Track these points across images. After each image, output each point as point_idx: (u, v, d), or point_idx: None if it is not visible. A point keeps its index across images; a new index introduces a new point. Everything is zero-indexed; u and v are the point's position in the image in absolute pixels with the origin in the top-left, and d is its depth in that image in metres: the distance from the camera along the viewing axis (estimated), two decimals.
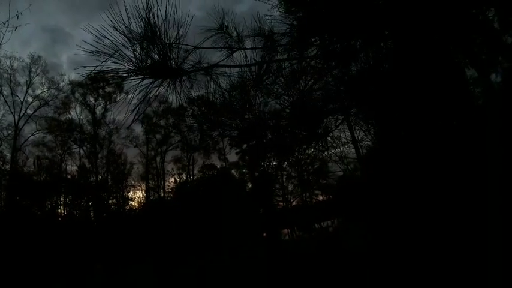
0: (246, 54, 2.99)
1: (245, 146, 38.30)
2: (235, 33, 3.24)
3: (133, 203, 41.02)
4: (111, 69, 1.99)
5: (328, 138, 3.43)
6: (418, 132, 4.82)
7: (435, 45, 3.21)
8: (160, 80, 2.12)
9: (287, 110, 2.88)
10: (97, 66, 1.97)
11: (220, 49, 3.09)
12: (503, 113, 4.34)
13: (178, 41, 2.12)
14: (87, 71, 2.04)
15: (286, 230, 37.14)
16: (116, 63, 1.99)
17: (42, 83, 36.09)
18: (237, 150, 40.11)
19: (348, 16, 3.23)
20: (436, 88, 3.50)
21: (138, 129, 40.62)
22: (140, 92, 2.06)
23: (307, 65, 3.35)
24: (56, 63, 61.45)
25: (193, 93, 2.38)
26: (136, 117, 2.03)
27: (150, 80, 2.09)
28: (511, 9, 4.20)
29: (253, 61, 2.91)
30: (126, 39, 1.99)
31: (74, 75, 38.70)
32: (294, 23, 3.79)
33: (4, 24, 10.22)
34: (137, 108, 2.05)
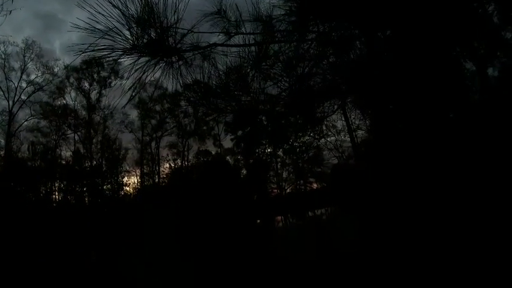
0: (244, 38, 2.96)
1: (240, 132, 38.35)
2: (233, 18, 3.21)
3: (128, 188, 41.05)
4: (106, 47, 1.96)
5: (324, 127, 3.43)
6: (414, 124, 4.83)
7: (434, 38, 3.21)
8: (157, 59, 2.09)
9: (284, 94, 2.87)
10: (91, 44, 1.94)
11: (218, 33, 3.07)
12: (499, 107, 4.36)
13: (176, 20, 2.10)
14: (81, 49, 1.99)
15: (280, 217, 37.31)
16: (111, 40, 1.96)
17: (37, 67, 35.80)
18: (232, 137, 40.12)
19: (347, 4, 3.22)
20: (434, 80, 3.50)
21: (133, 114, 40.57)
22: (135, 71, 2.03)
23: (305, 52, 3.34)
24: (49, 49, 61.06)
25: (189, 77, 2.37)
26: (132, 96, 2.01)
27: (147, 59, 2.07)
28: (511, 5, 4.19)
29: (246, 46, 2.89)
30: (122, 16, 1.96)
31: (68, 60, 38.38)
32: (293, 8, 3.77)
33: None
34: (133, 87, 2.02)
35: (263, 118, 3.11)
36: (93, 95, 38.87)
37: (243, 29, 3.12)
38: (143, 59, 2.07)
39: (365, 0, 3.25)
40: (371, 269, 6.04)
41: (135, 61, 2.05)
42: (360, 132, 21.53)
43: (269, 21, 3.27)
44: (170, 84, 2.22)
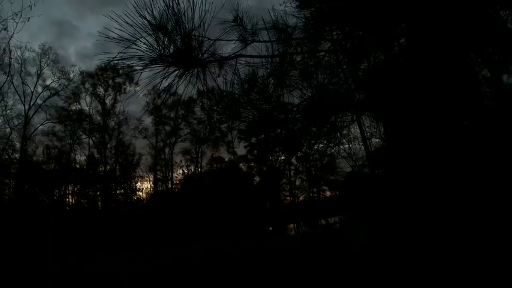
0: (265, 45, 2.99)
1: (254, 139, 38.31)
2: (249, 26, 3.25)
3: (141, 193, 41.31)
4: (133, 57, 1.99)
5: (338, 134, 3.44)
6: (428, 131, 4.80)
7: (448, 45, 3.20)
8: (183, 70, 2.12)
9: (305, 103, 2.89)
10: (119, 53, 1.98)
11: (234, 41, 3.11)
12: None
13: (201, 32, 2.12)
14: (109, 58, 2.04)
15: (292, 225, 37.17)
16: (138, 50, 2.00)
17: (52, 72, 36.34)
18: (246, 144, 40.15)
19: (362, 12, 3.23)
20: (448, 87, 3.49)
21: (148, 120, 40.81)
22: (162, 80, 2.06)
23: (321, 60, 3.36)
24: (64, 55, 61.98)
25: (212, 85, 2.40)
26: (157, 107, 2.04)
27: (173, 68, 2.09)
28: None
29: (270, 53, 2.91)
30: (148, 26, 1.99)
31: (83, 66, 38.94)
32: (308, 16, 3.80)
33: (17, 14, 10.35)
34: (158, 97, 2.05)
35: (278, 125, 3.14)
36: (108, 101, 39.34)
37: (259, 37, 3.17)
38: (170, 69, 2.10)
39: (380, 8, 3.27)
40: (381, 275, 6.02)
41: (161, 71, 2.08)
42: (374, 140, 21.36)
43: (285, 29, 3.30)
44: (193, 91, 2.24)
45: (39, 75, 35.41)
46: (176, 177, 42.43)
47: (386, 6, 3.36)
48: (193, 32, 2.12)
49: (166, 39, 2.07)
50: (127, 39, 1.95)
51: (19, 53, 35.52)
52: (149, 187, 41.72)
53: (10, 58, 32.72)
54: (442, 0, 3.06)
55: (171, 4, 2.01)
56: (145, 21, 1.98)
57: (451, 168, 4.72)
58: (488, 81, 4.63)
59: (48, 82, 36.27)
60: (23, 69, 34.32)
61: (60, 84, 36.49)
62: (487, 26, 3.43)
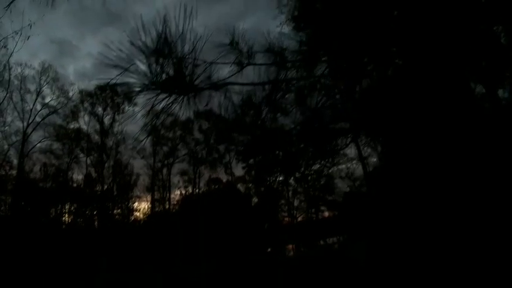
0: (259, 69, 3.01)
1: (252, 160, 38.26)
2: (245, 49, 3.27)
3: (138, 214, 40.98)
4: (127, 83, 2.01)
5: (335, 156, 3.44)
6: (424, 149, 4.80)
7: (443, 61, 3.23)
8: (175, 96, 2.13)
9: (298, 128, 2.89)
10: (113, 78, 1.99)
11: (230, 64, 3.13)
12: (510, 128, 4.32)
13: (193, 57, 2.14)
14: (105, 82, 2.05)
15: (291, 246, 36.85)
16: (131, 77, 2.01)
17: (52, 90, 36.42)
18: (244, 165, 40.06)
19: (357, 34, 3.27)
20: (444, 104, 3.50)
21: (145, 140, 40.73)
22: (154, 106, 2.06)
23: (316, 83, 3.38)
24: (63, 74, 62.46)
25: (202, 108, 2.41)
26: (149, 133, 2.05)
27: (165, 95, 2.10)
28: None
29: (264, 77, 2.93)
30: (141, 54, 2.01)
31: (82, 85, 39.11)
32: (303, 39, 3.84)
33: (17, 33, 10.45)
34: (151, 122, 2.07)
35: (273, 148, 3.13)
36: (106, 120, 39.38)
37: (255, 60, 3.19)
38: (161, 96, 2.11)
39: (374, 30, 3.30)
40: None
41: (153, 97, 2.10)
42: (371, 160, 21.36)
43: (280, 52, 3.33)
44: (188, 113, 2.25)
45: (38, 92, 35.50)
46: (174, 198, 42.22)
47: (381, 27, 3.40)
48: (187, 56, 2.14)
49: (159, 68, 2.09)
50: (121, 66, 1.97)
51: (19, 70, 35.68)
52: (146, 207, 41.46)
53: (10, 75, 32.76)
54: (437, 17, 3.10)
55: (163, 33, 2.04)
56: (139, 51, 2.00)
57: (449, 186, 4.70)
58: (484, 96, 4.66)
59: (47, 100, 36.30)
60: (22, 86, 34.44)
61: (59, 103, 36.56)
62: (481, 42, 3.47)
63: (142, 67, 2.05)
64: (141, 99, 2.10)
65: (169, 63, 2.08)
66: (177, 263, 24.71)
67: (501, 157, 4.13)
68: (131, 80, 2.01)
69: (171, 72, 2.11)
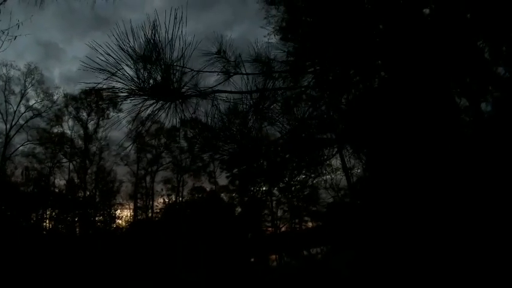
0: (247, 78, 3.02)
1: (236, 170, 38.25)
2: (232, 58, 3.29)
3: (120, 221, 40.46)
4: (113, 88, 2.00)
5: (320, 166, 3.46)
6: (408, 161, 4.87)
7: (428, 75, 3.28)
8: (162, 102, 2.13)
9: (285, 137, 2.90)
10: (99, 83, 1.98)
11: (217, 73, 3.13)
12: (492, 142, 4.41)
13: (182, 64, 2.14)
14: (90, 87, 2.03)
15: (274, 256, 36.76)
16: (118, 82, 2.00)
17: (37, 93, 35.91)
18: (228, 174, 39.98)
19: (343, 46, 3.31)
20: (428, 116, 3.55)
21: (129, 147, 40.44)
22: (141, 112, 2.06)
23: (303, 93, 3.40)
24: (49, 77, 61.79)
25: (189, 116, 2.40)
26: (135, 139, 2.04)
27: (152, 101, 2.10)
28: (502, 40, 4.31)
29: (251, 86, 2.94)
30: (129, 59, 2.01)
31: (67, 89, 38.66)
32: (290, 49, 3.87)
33: (4, 32, 10.28)
34: (137, 128, 2.06)
35: (258, 158, 3.14)
36: (91, 125, 38.96)
37: (242, 69, 3.20)
38: (148, 102, 2.11)
39: (360, 43, 3.35)
40: None
41: (141, 103, 2.09)
42: (355, 171, 21.53)
43: (268, 62, 3.35)
44: (174, 120, 2.24)
45: (23, 94, 35.03)
46: (157, 206, 41.83)
47: (367, 40, 3.45)
48: (175, 63, 2.14)
49: (146, 73, 2.09)
50: (108, 70, 1.96)
51: (4, 70, 35.09)
52: (129, 215, 40.98)
53: None
54: (422, 32, 3.16)
55: (152, 38, 2.03)
56: (127, 54, 1.99)
57: (433, 199, 4.76)
58: (468, 109, 4.74)
59: (31, 102, 35.87)
60: (7, 87, 33.98)
61: (43, 106, 36.13)
62: (465, 57, 3.55)
63: (130, 72, 2.05)
64: (126, 106, 2.10)
65: (157, 69, 2.09)
66: (159, 272, 24.43)
67: (483, 168, 4.21)
68: (118, 85, 2.01)
69: (159, 78, 2.11)
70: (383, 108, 3.30)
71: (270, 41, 3.84)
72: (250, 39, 3.49)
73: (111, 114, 38.38)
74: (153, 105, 2.12)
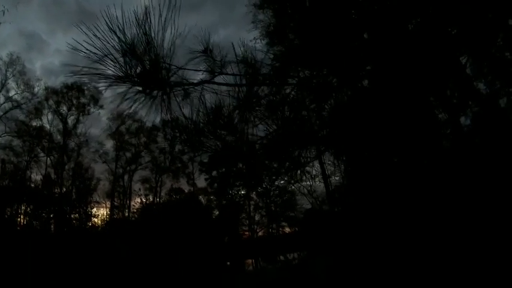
0: (233, 79, 3.03)
1: (215, 172, 38.19)
2: (218, 58, 3.29)
3: (96, 220, 39.83)
4: (99, 73, 1.96)
5: (299, 171, 3.49)
6: (388, 170, 4.95)
7: (409, 88, 3.35)
8: (148, 90, 2.10)
9: (269, 137, 2.92)
10: (84, 67, 1.94)
11: (202, 72, 3.13)
12: (471, 154, 4.53)
13: (171, 54, 2.12)
14: (73, 71, 1.98)
15: (250, 260, 36.73)
16: (104, 66, 1.96)
17: (17, 84, 35.02)
18: (206, 177, 39.85)
19: (328, 53, 3.36)
20: (409, 128, 3.63)
21: (109, 144, 39.99)
22: (125, 100, 2.03)
23: (286, 98, 3.44)
24: (30, 68, 60.59)
25: (177, 112, 2.39)
26: (117, 128, 2.02)
27: (138, 89, 2.07)
28: (484, 56, 4.44)
29: (235, 88, 2.95)
30: (118, 43, 1.98)
31: (48, 82, 37.91)
32: (276, 53, 3.91)
33: None
34: (120, 118, 2.03)
35: (240, 159, 3.15)
36: (70, 120, 38.30)
37: (227, 69, 3.20)
38: (134, 89, 2.07)
39: (345, 51, 3.41)
40: None
41: (127, 90, 2.05)
42: (334, 178, 21.69)
43: (253, 64, 3.37)
44: (156, 118, 2.23)
45: (3, 84, 34.02)
46: (134, 205, 41.31)
47: (352, 50, 3.51)
48: (162, 54, 2.13)
49: (134, 60, 2.06)
50: (95, 53, 1.93)
51: None
52: (105, 214, 40.38)
53: None
54: (404, 45, 3.23)
55: (143, 25, 2.01)
56: (116, 38, 1.97)
57: (410, 207, 4.85)
58: (447, 123, 4.86)
59: (11, 93, 34.96)
60: None
61: (23, 97, 35.18)
62: (446, 71, 3.64)
63: (118, 58, 2.01)
64: (109, 97, 2.06)
65: (146, 57, 2.06)
66: (135, 273, 24.17)
67: (460, 178, 4.32)
68: (105, 71, 1.96)
69: (147, 65, 2.08)
70: (364, 118, 3.36)
71: (256, 44, 3.87)
72: (238, 42, 3.48)
73: (92, 110, 37.93)
74: (139, 93, 2.09)
